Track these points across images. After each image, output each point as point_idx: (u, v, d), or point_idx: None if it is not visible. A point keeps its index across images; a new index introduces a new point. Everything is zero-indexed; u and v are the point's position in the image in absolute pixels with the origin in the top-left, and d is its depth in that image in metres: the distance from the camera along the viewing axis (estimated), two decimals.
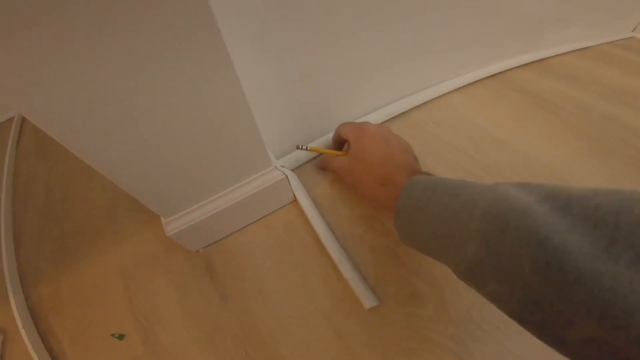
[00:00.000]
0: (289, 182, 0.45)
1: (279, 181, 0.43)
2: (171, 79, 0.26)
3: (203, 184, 0.38)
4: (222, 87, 0.29)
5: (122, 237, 0.52)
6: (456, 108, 0.63)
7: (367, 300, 0.38)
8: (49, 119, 0.23)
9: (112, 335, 0.42)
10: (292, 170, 0.52)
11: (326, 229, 0.44)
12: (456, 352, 0.35)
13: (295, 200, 0.49)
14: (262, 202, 0.45)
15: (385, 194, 0.37)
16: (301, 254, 0.44)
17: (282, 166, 0.46)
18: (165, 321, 0.42)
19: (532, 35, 0.69)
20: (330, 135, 0.53)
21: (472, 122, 0.59)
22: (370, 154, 0.40)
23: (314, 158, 0.55)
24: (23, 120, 0.90)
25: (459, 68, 0.65)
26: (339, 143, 0.50)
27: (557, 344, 0.20)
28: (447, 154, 0.54)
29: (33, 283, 0.51)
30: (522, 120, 0.58)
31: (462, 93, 0.66)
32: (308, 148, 0.47)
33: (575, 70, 0.71)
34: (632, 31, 0.85)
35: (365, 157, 0.40)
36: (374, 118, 0.58)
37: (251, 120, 0.34)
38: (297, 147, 0.47)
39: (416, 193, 0.31)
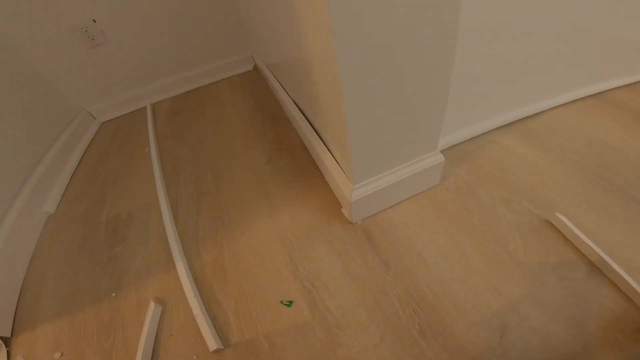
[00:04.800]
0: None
1: (438, 164, 0.49)
2: None
3: (394, 152, 0.44)
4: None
5: (277, 211, 0.57)
6: (564, 120, 0.66)
7: None
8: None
9: (282, 302, 0.42)
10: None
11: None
12: None
13: (439, 184, 0.54)
14: (418, 182, 0.51)
15: None
16: (451, 226, 0.49)
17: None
18: (331, 286, 0.44)
19: (630, 60, 0.71)
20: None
21: (583, 131, 0.62)
22: None
23: (465, 141, 0.61)
24: (154, 108, 1.00)
25: (562, 86, 0.69)
26: None
27: None
28: (567, 154, 0.58)
29: (195, 252, 0.53)
30: (629, 131, 0.61)
31: (567, 108, 0.68)
32: None
33: None
34: None
35: None
36: (506, 117, 0.64)
37: (445, 92, 0.39)
38: None
39: None
